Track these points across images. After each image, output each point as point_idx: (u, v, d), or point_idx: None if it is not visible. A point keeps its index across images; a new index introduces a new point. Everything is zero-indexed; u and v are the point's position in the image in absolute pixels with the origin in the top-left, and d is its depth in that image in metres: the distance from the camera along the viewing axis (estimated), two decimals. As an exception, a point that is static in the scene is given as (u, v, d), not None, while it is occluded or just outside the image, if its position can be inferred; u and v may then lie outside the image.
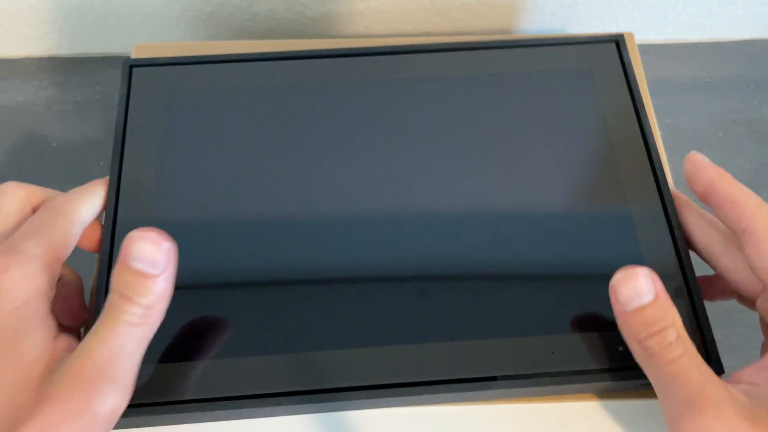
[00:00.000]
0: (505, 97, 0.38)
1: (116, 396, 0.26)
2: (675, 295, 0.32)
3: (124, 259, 0.27)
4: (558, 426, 0.33)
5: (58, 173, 0.44)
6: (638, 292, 0.28)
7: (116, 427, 0.29)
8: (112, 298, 0.27)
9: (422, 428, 0.33)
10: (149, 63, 0.38)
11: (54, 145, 0.45)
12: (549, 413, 0.33)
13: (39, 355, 0.26)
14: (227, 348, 0.31)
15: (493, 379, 0.30)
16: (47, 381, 0.26)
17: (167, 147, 0.36)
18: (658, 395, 0.27)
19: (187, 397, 0.30)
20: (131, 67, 0.38)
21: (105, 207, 0.34)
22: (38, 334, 0.27)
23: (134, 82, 0.38)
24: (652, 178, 0.35)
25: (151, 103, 0.37)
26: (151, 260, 0.27)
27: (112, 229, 0.34)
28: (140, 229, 0.27)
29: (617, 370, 0.31)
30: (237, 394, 0.30)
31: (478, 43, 0.39)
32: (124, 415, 0.28)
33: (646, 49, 0.50)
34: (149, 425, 0.31)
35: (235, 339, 0.31)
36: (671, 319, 0.27)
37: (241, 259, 0.33)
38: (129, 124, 0.36)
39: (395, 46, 0.39)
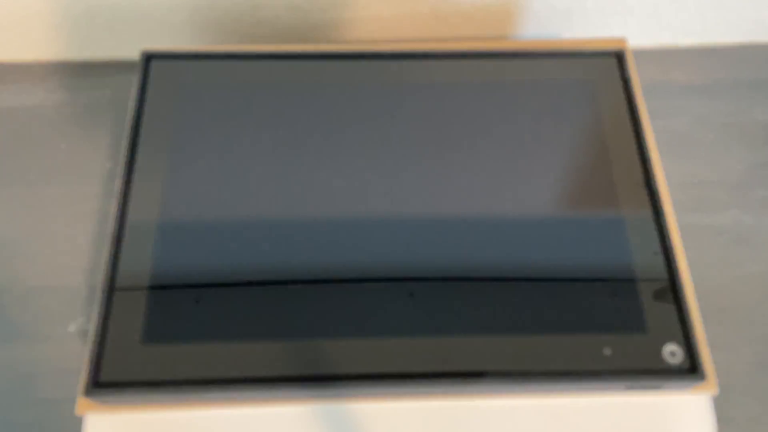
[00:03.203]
0: (504, 105, 0.38)
1: None
2: (663, 299, 0.33)
3: None
4: (558, 424, 0.33)
5: (68, 176, 0.45)
6: None
7: (126, 403, 0.29)
8: None
9: (423, 424, 0.33)
10: (167, 55, 0.38)
11: (63, 147, 0.46)
12: (549, 412, 0.33)
13: None
14: (227, 332, 0.32)
15: (482, 374, 0.31)
16: None
17: (180, 138, 0.36)
18: None
19: (183, 378, 0.30)
20: (149, 58, 0.38)
21: None
22: None
23: (151, 73, 0.37)
24: (645, 187, 0.36)
25: (166, 95, 0.37)
26: None
27: (121, 219, 0.34)
28: None
29: (604, 372, 0.31)
30: (233, 377, 0.30)
31: (481, 51, 0.40)
32: (129, 392, 0.28)
33: (639, 54, 0.51)
34: (141, 403, 0.31)
35: (235, 325, 0.32)
36: None
37: (244, 251, 0.34)
38: (143, 115, 0.36)
39: (400, 51, 0.39)
